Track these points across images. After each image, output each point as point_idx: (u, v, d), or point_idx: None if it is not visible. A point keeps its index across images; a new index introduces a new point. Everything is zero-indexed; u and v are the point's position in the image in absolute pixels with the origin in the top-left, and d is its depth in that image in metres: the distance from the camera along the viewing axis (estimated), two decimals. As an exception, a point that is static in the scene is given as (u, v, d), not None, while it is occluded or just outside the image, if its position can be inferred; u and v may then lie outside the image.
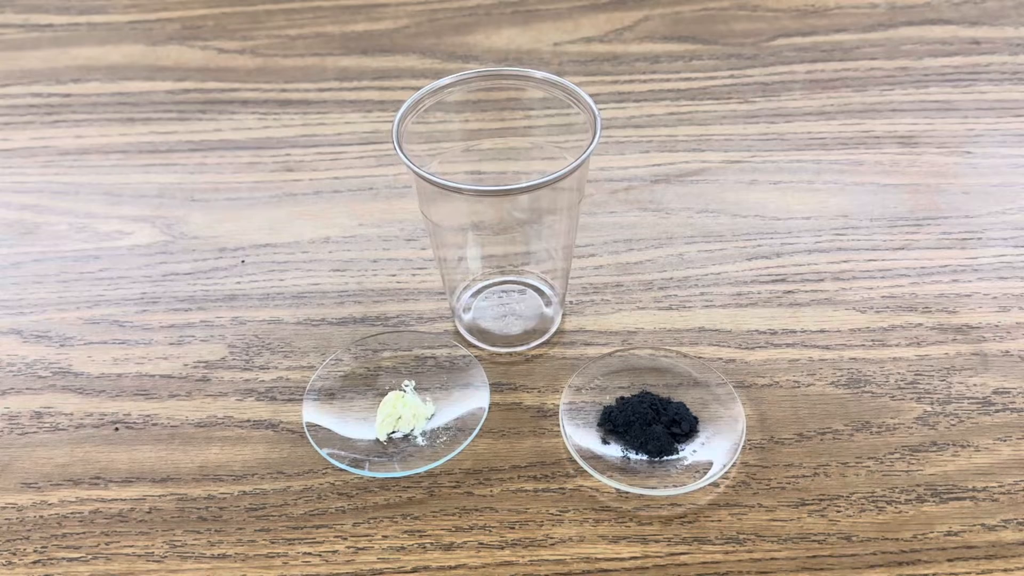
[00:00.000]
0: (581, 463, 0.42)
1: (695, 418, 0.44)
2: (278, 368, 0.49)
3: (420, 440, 0.44)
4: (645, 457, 0.42)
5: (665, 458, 0.42)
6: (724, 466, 0.41)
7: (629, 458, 0.42)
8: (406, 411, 0.45)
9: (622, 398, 0.45)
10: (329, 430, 0.44)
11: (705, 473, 0.41)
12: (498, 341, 0.49)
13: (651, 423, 0.43)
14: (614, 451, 0.43)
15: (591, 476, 0.42)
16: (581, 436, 0.43)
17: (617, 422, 0.43)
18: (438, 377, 0.47)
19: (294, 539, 0.41)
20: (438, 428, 0.45)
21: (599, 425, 0.44)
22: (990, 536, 0.40)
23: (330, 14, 0.73)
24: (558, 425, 0.45)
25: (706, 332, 0.49)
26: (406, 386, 0.46)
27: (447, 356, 0.48)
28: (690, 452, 0.43)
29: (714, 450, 0.42)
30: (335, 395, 0.46)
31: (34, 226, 0.57)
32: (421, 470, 0.43)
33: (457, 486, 0.43)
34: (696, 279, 0.52)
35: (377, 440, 0.44)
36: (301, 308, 0.52)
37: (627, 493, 0.41)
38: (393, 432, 0.45)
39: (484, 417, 0.44)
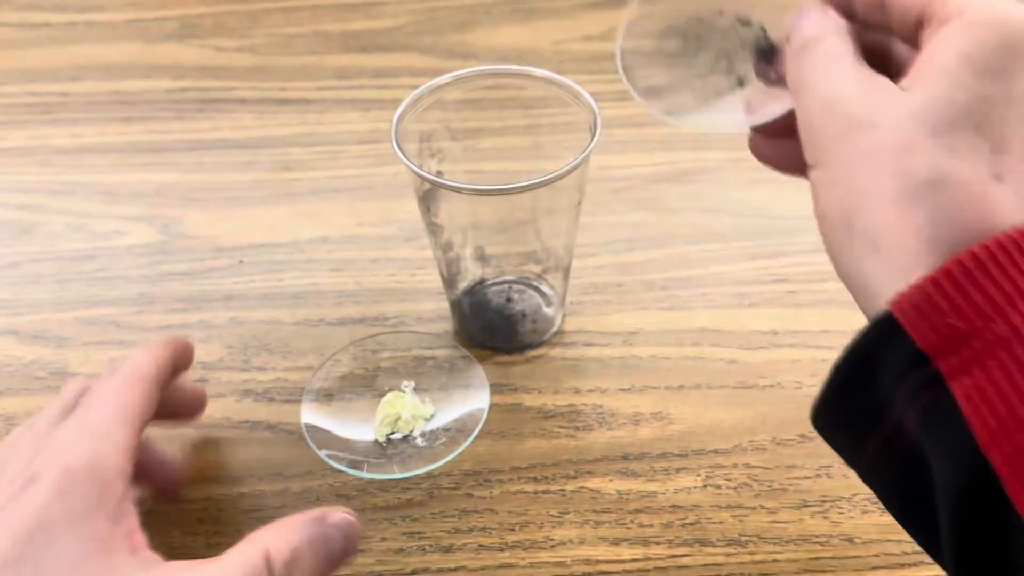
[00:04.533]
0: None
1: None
2: (276, 369, 0.48)
3: (419, 441, 0.44)
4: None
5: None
6: None
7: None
8: (405, 412, 0.44)
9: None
10: (328, 431, 0.44)
11: None
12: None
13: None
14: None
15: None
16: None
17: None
18: (437, 378, 0.47)
19: (292, 541, 0.41)
20: (437, 429, 0.44)
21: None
22: (994, 538, 0.40)
23: (329, 12, 0.73)
24: (559, 426, 0.45)
25: (708, 332, 0.49)
26: (405, 387, 0.46)
27: (446, 357, 0.47)
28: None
29: None
30: (334, 396, 0.46)
31: (31, 226, 0.57)
32: (420, 471, 0.42)
33: (457, 488, 0.43)
34: (698, 279, 0.52)
35: (376, 441, 0.44)
36: (299, 308, 0.51)
37: None
38: (392, 433, 0.44)
39: (484, 418, 0.44)
